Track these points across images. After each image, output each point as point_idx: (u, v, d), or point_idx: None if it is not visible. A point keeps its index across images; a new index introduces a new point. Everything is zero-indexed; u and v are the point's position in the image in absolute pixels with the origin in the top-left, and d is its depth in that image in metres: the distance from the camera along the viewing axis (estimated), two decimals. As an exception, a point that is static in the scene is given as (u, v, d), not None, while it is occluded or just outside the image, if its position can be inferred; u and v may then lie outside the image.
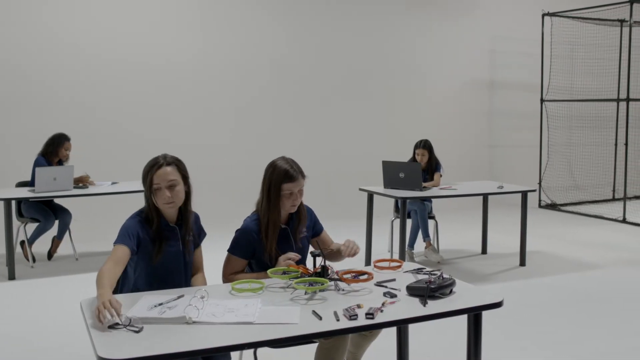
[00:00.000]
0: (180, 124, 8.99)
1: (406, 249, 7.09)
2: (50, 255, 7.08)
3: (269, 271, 3.23)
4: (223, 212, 9.23)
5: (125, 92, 8.66)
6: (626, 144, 9.98)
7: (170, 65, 8.88)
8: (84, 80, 8.50)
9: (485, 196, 7.52)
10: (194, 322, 2.60)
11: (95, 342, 2.40)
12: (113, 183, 7.31)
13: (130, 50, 8.67)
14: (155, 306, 2.75)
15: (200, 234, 3.62)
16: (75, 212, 7.33)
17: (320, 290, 3.06)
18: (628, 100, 9.73)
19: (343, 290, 3.08)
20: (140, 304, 2.79)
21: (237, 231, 3.66)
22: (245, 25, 9.26)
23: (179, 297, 2.89)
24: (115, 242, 3.14)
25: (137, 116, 8.74)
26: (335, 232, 8.90)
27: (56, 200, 7.08)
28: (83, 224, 7.80)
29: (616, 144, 11.33)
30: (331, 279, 3.14)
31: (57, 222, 6.98)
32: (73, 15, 8.39)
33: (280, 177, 3.59)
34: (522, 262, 7.07)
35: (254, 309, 2.77)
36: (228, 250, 3.65)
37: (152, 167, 3.34)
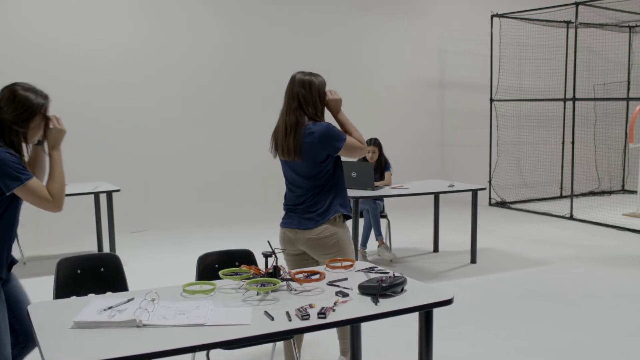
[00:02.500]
0: (129, 122, 8.87)
1: (359, 248, 7.13)
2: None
3: (220, 272, 3.21)
4: (175, 205, 9.15)
5: (71, 93, 8.51)
6: (573, 143, 10.20)
7: (114, 63, 8.76)
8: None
9: (436, 195, 7.60)
10: (145, 325, 2.57)
11: (43, 347, 2.36)
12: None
13: (71, 49, 8.52)
14: (104, 310, 2.71)
15: None
16: (22, 216, 7.17)
17: (273, 291, 3.05)
18: (574, 100, 9.95)
19: (295, 290, 3.09)
20: (89, 308, 2.75)
21: (328, 127, 3.73)
22: (196, 26, 9.18)
23: (129, 300, 2.85)
24: (29, 178, 3.00)
25: (84, 116, 8.59)
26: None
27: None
28: (30, 228, 7.65)
29: (563, 143, 11.58)
30: (283, 279, 3.14)
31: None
32: (19, 12, 8.22)
33: (324, 83, 3.84)
34: (473, 260, 7.17)
35: (206, 310, 2.75)
36: (344, 137, 3.74)
37: (47, 99, 3.16)
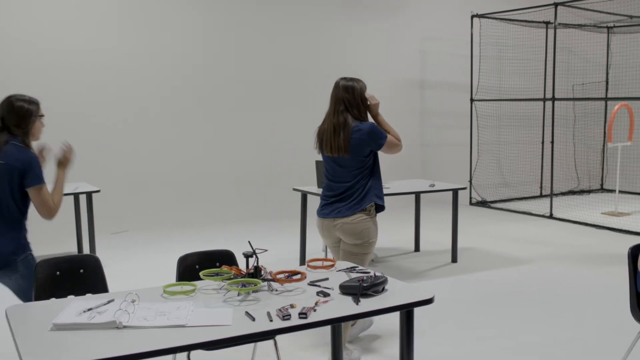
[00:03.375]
0: (103, 123, 8.81)
1: (340, 248, 7.13)
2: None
3: (201, 273, 3.20)
4: (156, 206, 9.11)
5: (50, 94, 8.44)
6: (552, 142, 10.28)
7: (89, 64, 8.70)
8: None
9: (417, 194, 7.63)
10: (125, 327, 2.56)
11: (22, 350, 2.33)
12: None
13: (50, 48, 8.45)
14: (84, 311, 2.69)
15: None
16: None
17: (254, 291, 3.05)
18: (554, 99, 10.03)
19: (276, 290, 3.08)
20: (69, 309, 2.73)
21: (372, 126, 4.21)
22: (176, 25, 9.14)
23: (109, 302, 2.84)
24: (43, 183, 3.61)
25: (63, 116, 8.52)
26: (270, 233, 8.93)
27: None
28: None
29: (543, 142, 11.67)
30: (264, 280, 3.14)
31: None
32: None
33: (364, 87, 4.37)
34: (454, 259, 7.21)
35: (186, 311, 2.75)
36: (385, 135, 4.22)
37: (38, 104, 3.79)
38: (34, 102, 3.75)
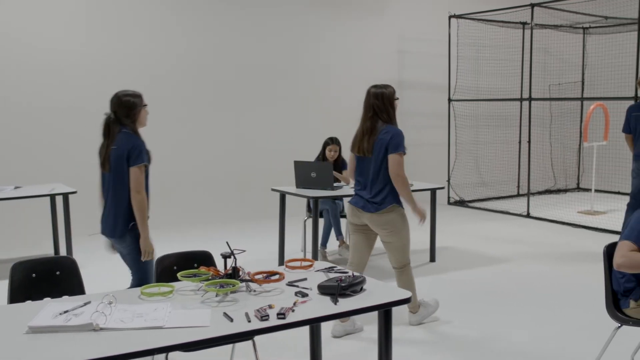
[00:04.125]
0: (78, 123, 8.74)
1: (319, 248, 7.14)
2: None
3: (179, 274, 3.19)
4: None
5: (25, 94, 8.36)
6: (529, 142, 10.36)
7: (69, 63, 8.62)
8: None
9: (395, 194, 7.64)
10: (102, 329, 2.54)
11: (-4, 353, 2.31)
12: (16, 187, 7.05)
13: (28, 51, 8.38)
14: (60, 314, 2.67)
15: None
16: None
17: (232, 292, 3.04)
18: (530, 99, 10.10)
19: (254, 291, 3.08)
20: (45, 312, 2.70)
21: (398, 134, 4.67)
22: (154, 27, 9.09)
23: (85, 304, 2.82)
24: (141, 163, 4.24)
25: (39, 117, 8.45)
26: (248, 233, 8.91)
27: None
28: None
29: (520, 142, 11.75)
30: (242, 280, 3.13)
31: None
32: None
33: (393, 92, 4.77)
34: (432, 258, 7.24)
35: (164, 312, 2.73)
36: (401, 151, 4.66)
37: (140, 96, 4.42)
38: (138, 95, 4.38)
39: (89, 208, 8.68)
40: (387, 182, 4.71)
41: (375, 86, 4.77)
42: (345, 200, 7.52)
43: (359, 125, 4.83)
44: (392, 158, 4.63)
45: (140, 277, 4.26)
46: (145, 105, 4.45)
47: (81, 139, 8.68)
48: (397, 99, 4.78)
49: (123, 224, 4.22)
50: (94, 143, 8.76)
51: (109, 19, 8.77)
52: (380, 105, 4.71)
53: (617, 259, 3.56)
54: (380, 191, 4.72)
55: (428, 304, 5.19)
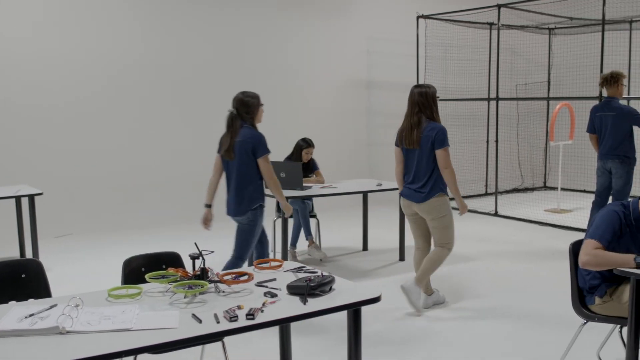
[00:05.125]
0: (44, 124, 8.63)
1: (289, 248, 7.14)
2: None
3: (147, 276, 3.16)
4: (100, 208, 8.97)
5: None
6: (497, 141, 10.45)
7: (34, 63, 8.51)
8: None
9: (364, 194, 7.67)
10: (68, 332, 2.52)
11: (-40, 357, 2.28)
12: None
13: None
14: (25, 317, 2.63)
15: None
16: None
17: (200, 293, 3.03)
18: (497, 99, 10.20)
19: (223, 292, 3.07)
20: (10, 315, 2.67)
21: (443, 130, 5.22)
22: (118, 25, 9.00)
23: (51, 307, 2.78)
24: (266, 153, 5.05)
25: (3, 118, 8.32)
26: (217, 234, 8.87)
27: None
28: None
29: (487, 141, 11.86)
30: (211, 281, 3.12)
31: None
32: None
33: (435, 91, 5.33)
34: (402, 257, 7.27)
35: (132, 315, 2.71)
36: (446, 146, 5.25)
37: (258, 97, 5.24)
38: (256, 97, 5.17)
39: (55, 210, 8.57)
40: (433, 173, 5.24)
41: (418, 86, 5.32)
42: (315, 200, 7.53)
43: (404, 121, 5.36)
44: (439, 153, 5.19)
45: (239, 255, 5.16)
46: (262, 104, 5.25)
47: (47, 140, 8.57)
48: (438, 97, 5.33)
49: (246, 204, 5.08)
50: (59, 143, 8.65)
51: (65, 18, 8.67)
52: (425, 102, 5.25)
53: (582, 257, 3.62)
54: (427, 181, 5.25)
55: (439, 293, 5.66)
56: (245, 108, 5.12)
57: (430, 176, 5.25)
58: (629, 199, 3.89)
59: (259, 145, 5.03)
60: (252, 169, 5.07)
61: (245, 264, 5.33)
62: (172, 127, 9.46)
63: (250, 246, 5.18)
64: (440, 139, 5.20)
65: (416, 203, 5.31)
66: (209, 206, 5.34)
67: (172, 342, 2.49)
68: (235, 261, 5.16)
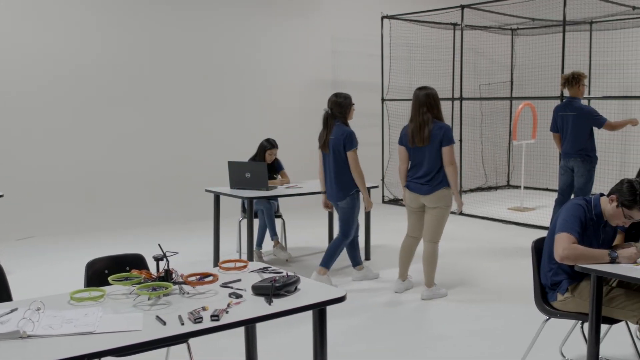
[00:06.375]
0: (9, 125, 8.49)
1: (254, 249, 7.12)
2: None
3: (110, 278, 3.13)
4: (62, 210, 8.84)
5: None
6: (460, 141, 10.56)
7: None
8: None
9: (330, 194, 7.67)
10: (29, 336, 2.48)
11: None
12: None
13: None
14: (-15, 321, 2.59)
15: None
16: None
17: (165, 295, 3.00)
18: (461, 99, 10.30)
19: (188, 293, 3.05)
20: (-31, 319, 2.62)
21: (449, 129, 5.67)
22: (82, 28, 8.89)
23: (12, 311, 2.74)
24: (354, 147, 5.97)
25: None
26: (182, 235, 8.81)
27: None
28: None
29: (452, 141, 11.95)
30: (175, 283, 3.10)
31: None
32: None
33: (436, 92, 5.74)
34: (367, 256, 7.30)
35: (94, 318, 2.68)
36: (453, 143, 5.75)
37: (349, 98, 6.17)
38: (348, 97, 6.03)
39: (16, 212, 8.43)
40: (440, 167, 5.62)
41: (421, 88, 5.72)
42: (281, 200, 7.53)
43: (411, 121, 5.72)
44: (446, 150, 5.58)
45: (345, 233, 6.09)
46: (353, 104, 6.06)
47: (6, 141, 8.42)
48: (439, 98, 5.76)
49: (343, 191, 5.98)
50: (19, 145, 8.51)
51: (32, 18, 8.54)
52: (431, 102, 5.64)
53: (560, 252, 3.65)
54: (435, 175, 5.63)
55: (441, 288, 5.97)
56: (339, 108, 5.97)
57: (438, 171, 5.63)
58: (591, 196, 3.96)
59: (348, 141, 5.86)
60: (345, 160, 5.93)
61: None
62: (134, 128, 9.37)
63: (352, 225, 6.06)
64: (448, 137, 5.61)
65: (423, 195, 5.71)
66: (324, 192, 6.27)
67: (136, 344, 2.47)
68: (342, 239, 6.10)
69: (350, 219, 6.04)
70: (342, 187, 5.97)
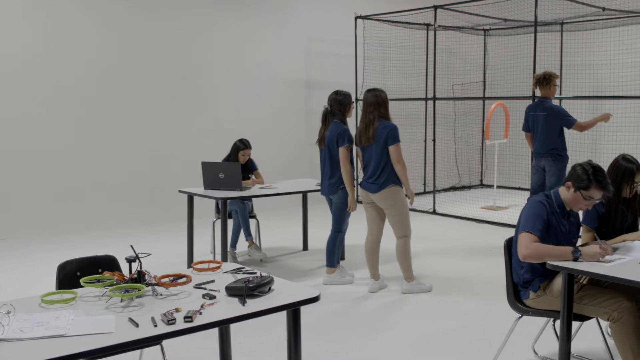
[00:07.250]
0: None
1: (228, 249, 7.10)
2: None
3: (81, 280, 3.10)
4: (33, 212, 8.74)
5: None
6: (434, 141, 10.61)
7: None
8: None
9: (304, 194, 7.69)
10: (-1, 340, 2.45)
11: None
12: None
13: None
14: (-46, 325, 2.55)
15: None
16: None
17: (137, 297, 2.98)
18: (435, 99, 10.36)
19: (161, 295, 3.03)
20: (-63, 323, 2.58)
21: (394, 128, 5.78)
22: (53, 23, 8.79)
23: (-19, 314, 2.70)
24: (346, 144, 6.09)
25: None
26: (155, 236, 8.76)
27: None
28: None
29: (425, 141, 12.01)
30: (148, 284, 3.08)
31: None
32: None
33: (386, 94, 5.92)
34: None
35: (66, 320, 2.65)
36: (398, 142, 5.80)
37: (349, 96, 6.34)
38: (348, 95, 6.21)
39: (-14, 214, 8.32)
40: (386, 166, 5.75)
41: (370, 90, 5.89)
42: (255, 200, 7.51)
43: (361, 121, 5.88)
44: (392, 149, 5.71)
45: (338, 228, 6.29)
46: (352, 102, 6.27)
47: (-23, 142, 8.31)
48: (388, 99, 5.89)
49: (336, 185, 6.18)
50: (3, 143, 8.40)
51: (7, 16, 8.43)
52: (377, 102, 5.77)
53: (523, 251, 3.69)
54: (381, 174, 5.76)
55: (423, 284, 6.08)
56: (338, 106, 6.15)
57: (383, 169, 5.75)
58: (551, 190, 4.02)
59: (340, 137, 6.03)
60: (338, 156, 6.10)
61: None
62: (107, 127, 9.28)
63: (344, 219, 6.28)
64: (393, 135, 5.71)
65: (372, 193, 5.85)
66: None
67: (109, 347, 2.45)
68: (336, 234, 6.30)
69: (343, 214, 6.25)
70: (335, 181, 6.18)
